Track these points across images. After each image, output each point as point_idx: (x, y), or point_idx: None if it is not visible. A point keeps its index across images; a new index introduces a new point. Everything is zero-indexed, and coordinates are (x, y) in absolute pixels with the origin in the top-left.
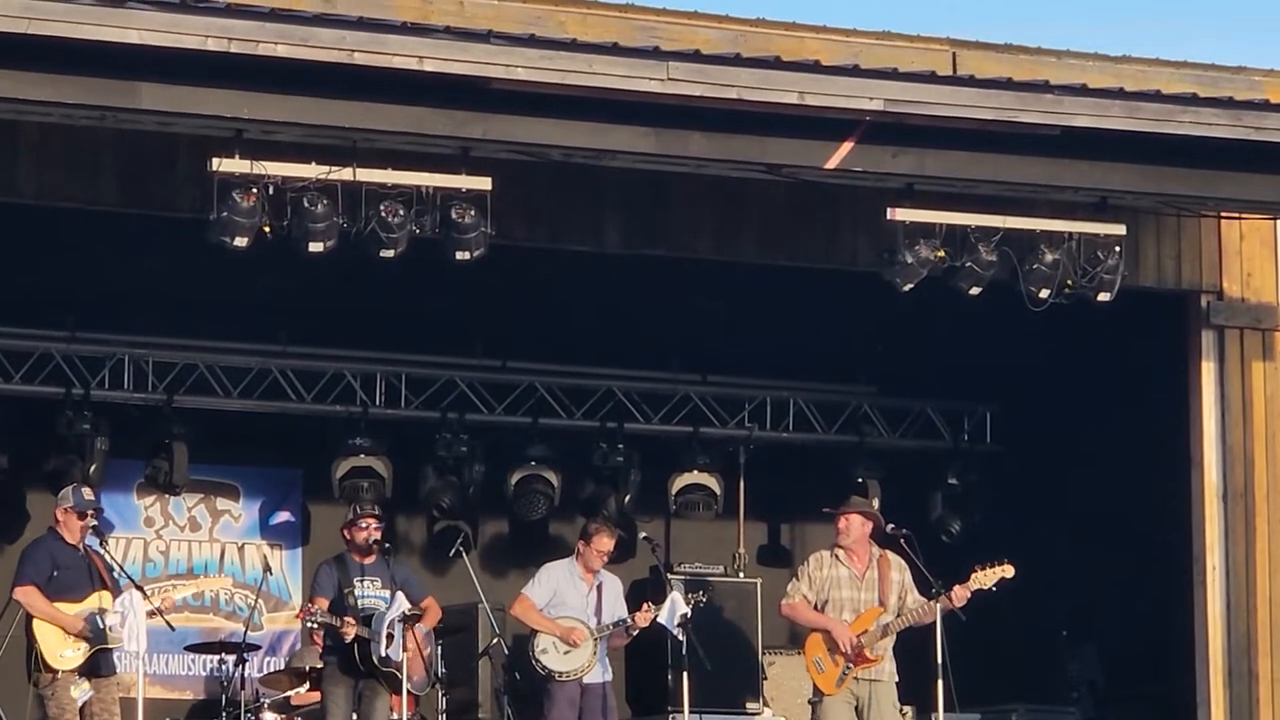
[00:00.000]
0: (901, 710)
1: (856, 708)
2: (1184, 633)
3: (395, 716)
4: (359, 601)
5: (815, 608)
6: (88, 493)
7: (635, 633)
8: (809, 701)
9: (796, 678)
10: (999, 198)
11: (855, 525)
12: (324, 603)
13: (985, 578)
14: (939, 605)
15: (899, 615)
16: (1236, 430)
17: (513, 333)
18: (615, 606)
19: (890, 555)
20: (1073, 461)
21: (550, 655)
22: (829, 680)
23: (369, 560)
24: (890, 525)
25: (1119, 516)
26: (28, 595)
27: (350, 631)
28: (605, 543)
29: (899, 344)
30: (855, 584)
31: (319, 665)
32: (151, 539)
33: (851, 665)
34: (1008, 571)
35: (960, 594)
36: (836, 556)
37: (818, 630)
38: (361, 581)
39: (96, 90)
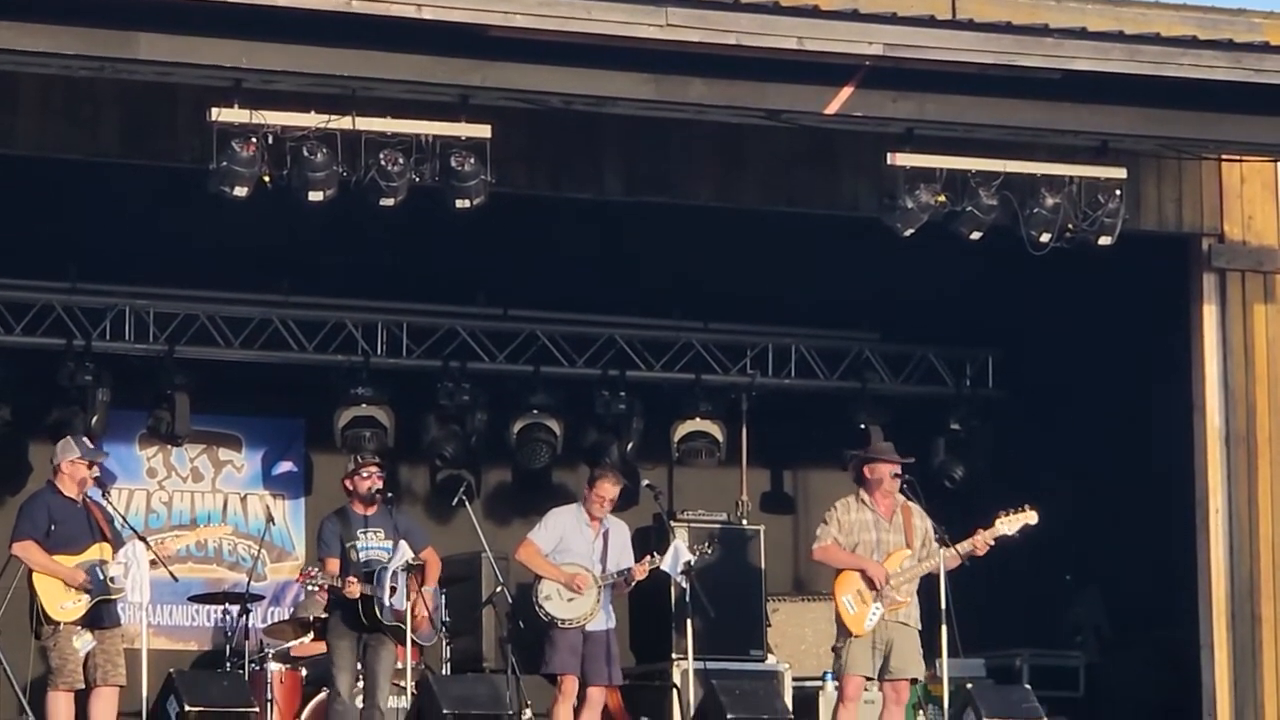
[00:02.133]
0: None
1: (882, 652)
2: (1187, 576)
3: (400, 666)
4: (361, 554)
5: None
6: (89, 441)
7: (633, 584)
8: (833, 648)
9: (800, 624)
10: (999, 142)
11: (884, 470)
12: (335, 564)
13: (1009, 523)
14: (964, 550)
15: (924, 559)
16: (1238, 373)
17: (514, 281)
18: (622, 553)
19: (911, 504)
20: (1075, 406)
21: (554, 602)
22: (858, 621)
23: (371, 511)
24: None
25: (1122, 460)
26: (25, 550)
27: (354, 591)
28: (606, 489)
29: (900, 289)
30: (882, 526)
31: (323, 615)
32: (154, 490)
33: (881, 606)
34: (1031, 518)
35: (982, 541)
36: (863, 501)
37: (851, 570)
38: (364, 533)
39: (95, 41)
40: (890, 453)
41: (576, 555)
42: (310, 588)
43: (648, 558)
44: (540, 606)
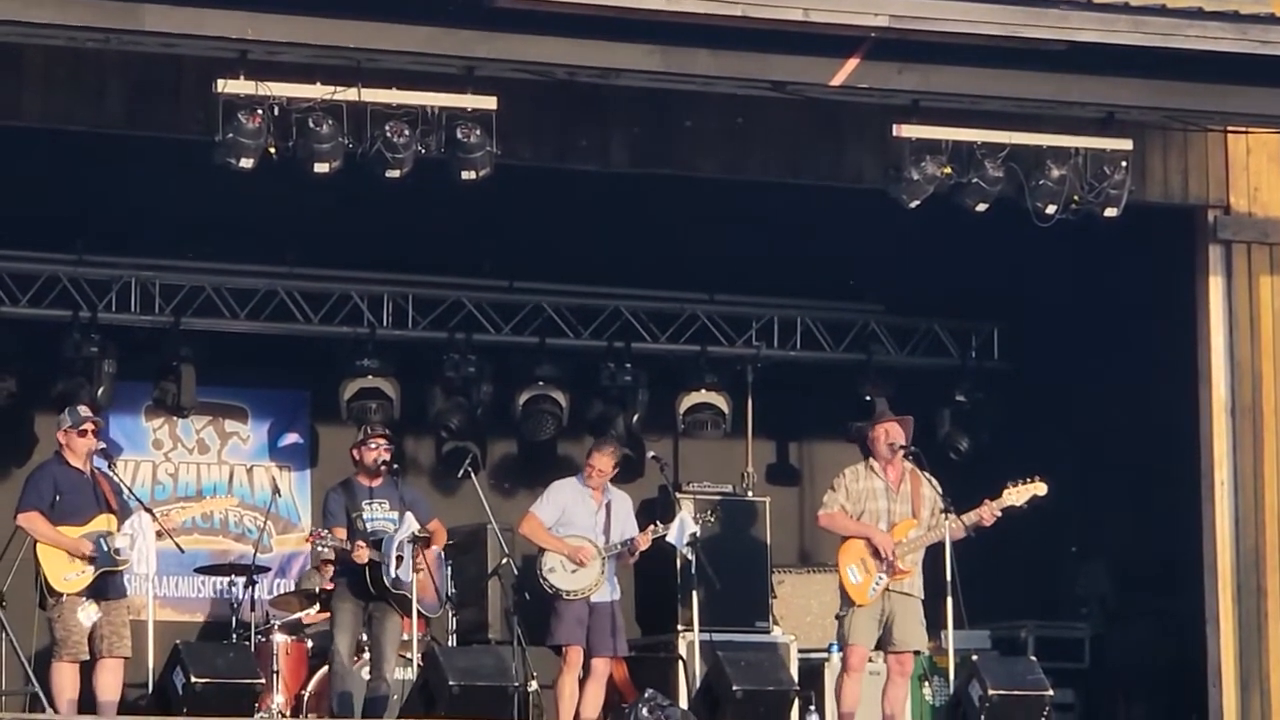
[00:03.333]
0: None
1: (883, 623)
2: (1193, 548)
3: (406, 638)
4: (368, 525)
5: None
6: (83, 409)
7: (637, 554)
8: (836, 616)
9: (806, 596)
10: (1005, 113)
11: (896, 431)
12: (342, 533)
13: (1017, 494)
14: (970, 521)
15: (931, 529)
16: (1244, 345)
17: (520, 253)
18: (625, 524)
19: (920, 474)
20: (1080, 378)
21: (558, 574)
22: (862, 590)
23: (376, 483)
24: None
25: (1127, 432)
26: (30, 521)
27: (362, 556)
28: (601, 460)
29: (906, 261)
30: (890, 495)
31: (328, 587)
32: (160, 461)
33: (885, 575)
34: (1040, 489)
35: (990, 512)
36: (871, 469)
37: (856, 538)
38: (370, 504)
39: (100, 12)
40: (887, 414)
41: (580, 527)
42: (320, 547)
43: (650, 527)
44: (544, 579)
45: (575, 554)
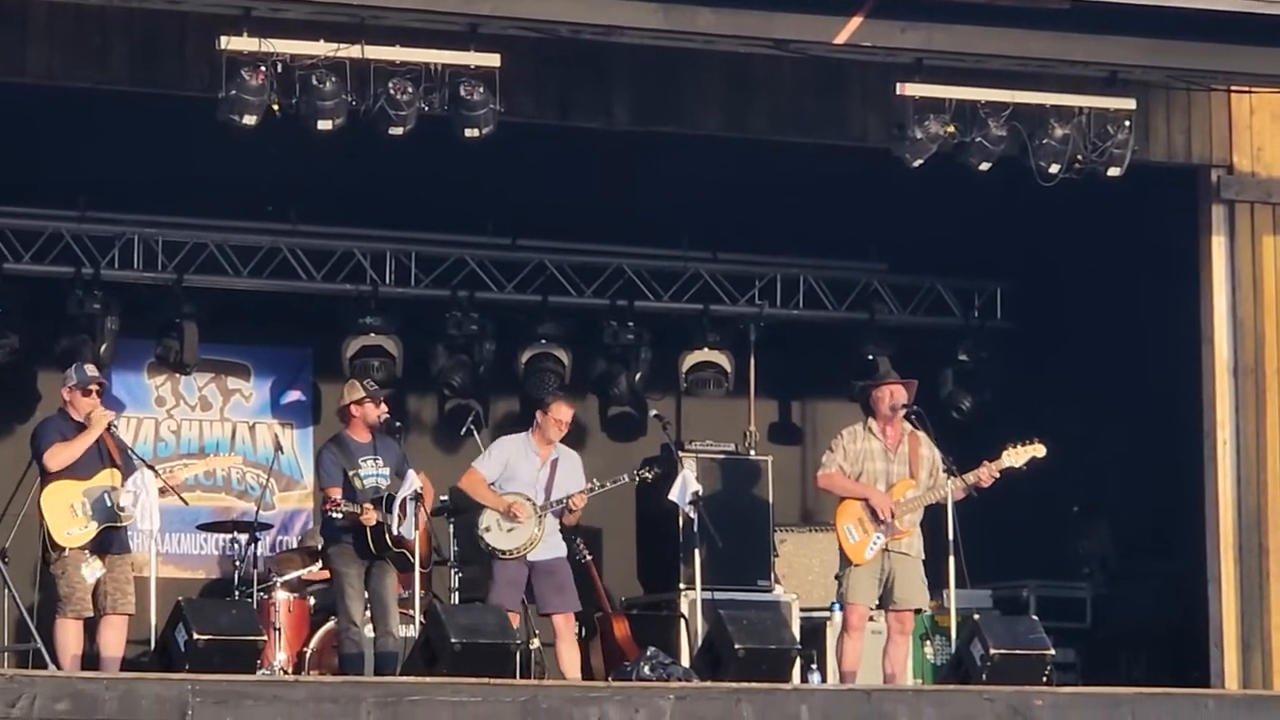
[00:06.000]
0: None
1: (883, 582)
2: (1195, 508)
3: (406, 595)
4: (364, 482)
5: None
6: (90, 369)
7: (577, 513)
8: (835, 576)
9: (808, 555)
10: (1008, 72)
11: (900, 393)
12: (337, 492)
13: (1016, 456)
14: (970, 481)
15: (929, 489)
16: (1247, 305)
17: (522, 210)
18: (570, 483)
19: (919, 433)
20: (1083, 337)
21: (493, 533)
22: (859, 550)
23: (368, 438)
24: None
25: (1130, 392)
26: (53, 453)
27: (371, 518)
28: (564, 411)
29: (909, 220)
30: (888, 456)
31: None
32: (163, 419)
33: (883, 536)
34: (1039, 451)
35: (988, 473)
36: (870, 430)
37: (854, 498)
38: (366, 461)
39: None
40: (892, 375)
41: (521, 484)
42: (335, 515)
43: (587, 486)
44: (480, 538)
45: (509, 510)
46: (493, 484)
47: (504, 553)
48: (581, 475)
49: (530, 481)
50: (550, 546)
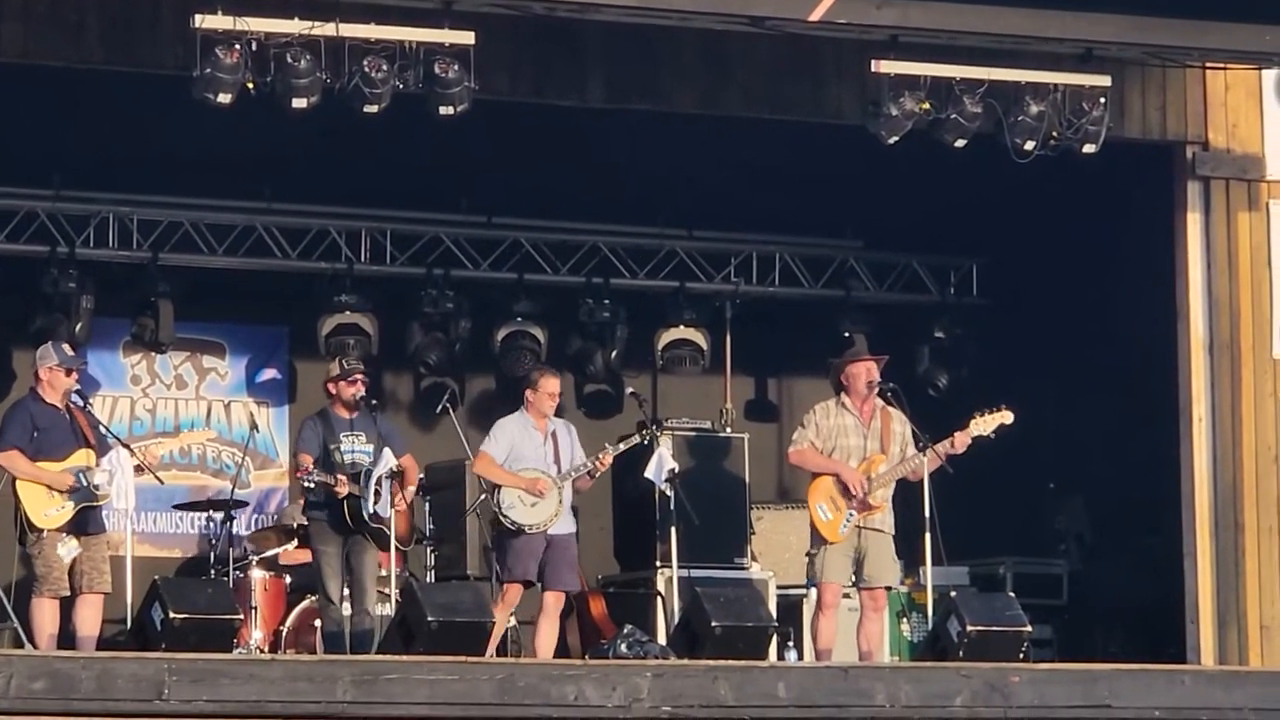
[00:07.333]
0: None
1: (856, 559)
2: (1171, 484)
3: (384, 573)
4: (345, 457)
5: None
6: (68, 348)
7: (598, 474)
8: (807, 554)
9: (784, 532)
10: (984, 49)
11: (875, 369)
12: (309, 459)
13: (985, 423)
14: (941, 449)
15: (902, 462)
16: (1222, 281)
17: (498, 188)
18: (572, 451)
19: (891, 409)
20: (1059, 314)
21: (518, 509)
22: (832, 527)
23: (353, 415)
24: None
25: (1106, 369)
26: (10, 459)
27: (343, 489)
28: (553, 384)
29: (885, 197)
30: (860, 432)
31: (304, 522)
32: (138, 397)
33: (855, 512)
34: (1006, 418)
35: (960, 440)
36: (843, 405)
37: (826, 475)
38: (348, 436)
39: None
40: (864, 351)
41: (529, 460)
42: (306, 483)
43: (607, 446)
44: (505, 516)
45: (533, 487)
46: (502, 464)
47: (530, 527)
48: (578, 442)
49: (537, 457)
50: (567, 521)
